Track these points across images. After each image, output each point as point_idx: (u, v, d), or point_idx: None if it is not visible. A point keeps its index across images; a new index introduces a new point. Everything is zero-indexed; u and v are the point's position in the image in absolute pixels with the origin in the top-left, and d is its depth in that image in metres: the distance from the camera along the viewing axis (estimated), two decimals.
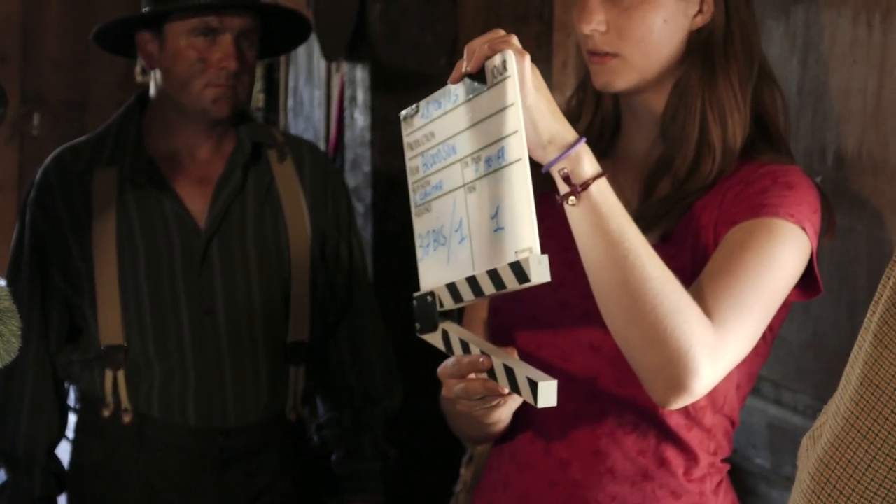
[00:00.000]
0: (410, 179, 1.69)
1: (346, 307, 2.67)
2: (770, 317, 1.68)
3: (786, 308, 1.76)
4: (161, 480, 2.53)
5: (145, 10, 2.53)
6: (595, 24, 1.75)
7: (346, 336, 2.68)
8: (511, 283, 1.50)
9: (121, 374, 2.49)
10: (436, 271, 1.64)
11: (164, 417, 2.51)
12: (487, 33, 1.56)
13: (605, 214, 1.56)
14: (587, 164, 1.56)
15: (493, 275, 1.52)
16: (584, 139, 1.57)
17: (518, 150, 1.49)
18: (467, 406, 1.67)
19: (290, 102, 4.74)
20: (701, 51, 1.79)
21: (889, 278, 1.15)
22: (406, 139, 1.70)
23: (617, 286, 1.57)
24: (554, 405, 1.52)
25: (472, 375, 1.61)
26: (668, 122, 1.81)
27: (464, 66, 1.56)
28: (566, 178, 1.56)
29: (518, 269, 1.48)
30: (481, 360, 1.59)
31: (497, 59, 1.52)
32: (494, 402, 1.65)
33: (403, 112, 1.69)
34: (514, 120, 1.50)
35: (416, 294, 1.68)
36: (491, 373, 1.59)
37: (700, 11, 1.79)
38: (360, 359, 2.69)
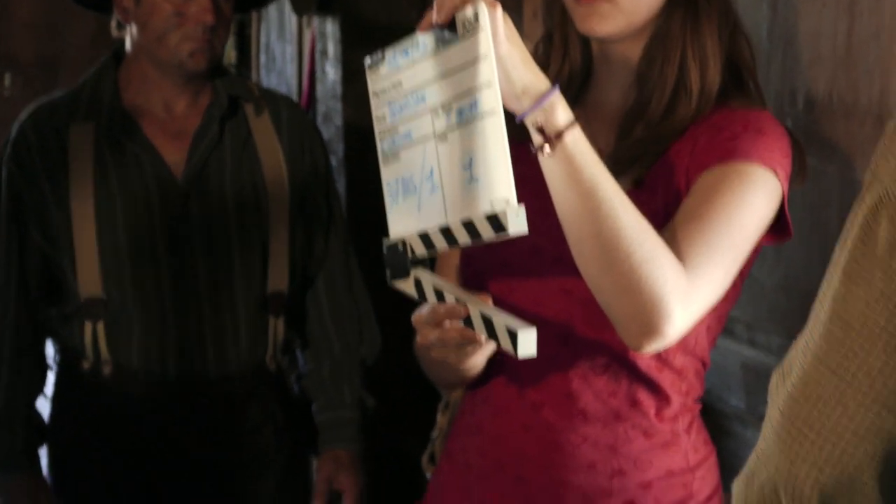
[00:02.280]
0: (377, 127, 1.68)
1: (323, 259, 2.68)
2: (742, 260, 1.69)
3: (755, 251, 1.78)
4: (142, 432, 2.55)
5: None
6: None
7: (324, 287, 2.70)
8: (487, 234, 1.51)
9: (100, 326, 2.50)
10: (406, 219, 1.65)
11: (143, 369, 2.52)
12: None
13: (579, 164, 1.56)
14: (561, 113, 1.56)
15: (469, 225, 1.53)
16: (556, 87, 1.57)
17: (492, 103, 1.49)
18: (442, 353, 1.68)
19: (263, 58, 4.73)
20: None
21: (857, 215, 1.16)
22: (371, 87, 1.69)
23: (591, 235, 1.58)
24: (534, 355, 1.53)
25: (448, 323, 1.63)
26: (644, 69, 1.82)
27: (433, 17, 1.56)
28: (540, 129, 1.56)
29: (495, 221, 1.49)
30: (458, 307, 1.60)
31: (468, 11, 1.51)
32: (470, 350, 1.66)
33: (368, 59, 1.68)
34: (488, 72, 1.49)
35: (386, 242, 1.68)
36: (467, 321, 1.60)
37: None
38: (338, 309, 2.70)
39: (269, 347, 2.61)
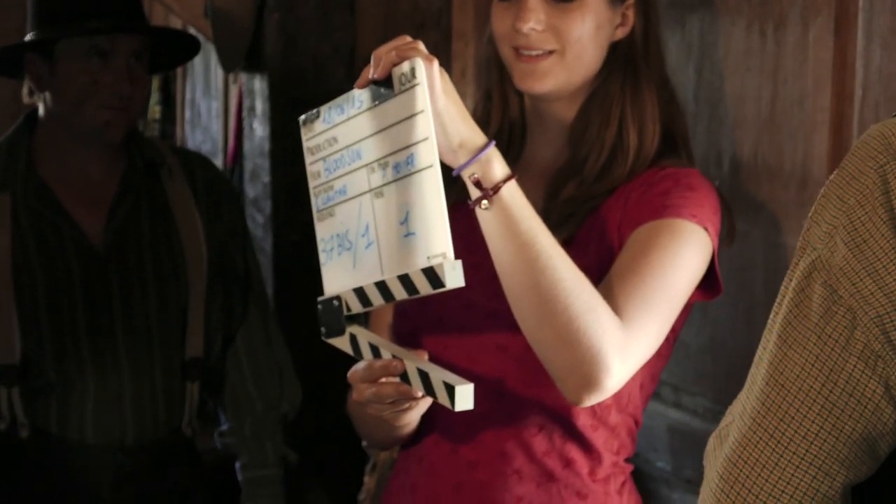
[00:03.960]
0: (312, 184, 1.69)
1: (242, 318, 2.67)
2: (676, 314, 1.71)
3: (686, 310, 1.79)
4: (59, 496, 2.50)
5: (32, 34, 2.49)
6: (533, 23, 1.76)
7: (244, 347, 2.69)
8: (424, 288, 1.51)
9: (15, 392, 2.46)
10: (341, 276, 1.64)
11: (61, 434, 2.49)
12: (394, 40, 1.57)
13: (515, 217, 1.57)
14: (497, 167, 1.57)
15: (405, 280, 1.53)
16: (493, 142, 1.58)
17: (429, 157, 1.50)
18: (378, 409, 1.67)
19: (188, 114, 4.71)
20: (622, 61, 1.83)
21: (791, 279, 1.17)
22: (306, 143, 1.69)
23: (529, 288, 1.58)
24: (471, 408, 1.53)
25: (384, 379, 1.62)
26: (579, 130, 1.84)
27: (370, 72, 1.56)
28: (477, 183, 1.57)
29: (432, 275, 1.49)
30: (394, 363, 1.59)
31: (405, 66, 1.52)
32: (406, 406, 1.66)
33: (303, 116, 1.69)
34: (425, 127, 1.50)
35: (320, 298, 1.68)
36: (404, 376, 1.59)
37: (621, 24, 1.83)
38: (258, 368, 2.69)
39: (185, 413, 2.58)
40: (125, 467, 2.52)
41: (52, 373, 2.47)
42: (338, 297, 1.65)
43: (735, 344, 2.17)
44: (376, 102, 1.57)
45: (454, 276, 1.47)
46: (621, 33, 1.83)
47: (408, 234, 1.52)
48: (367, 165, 1.59)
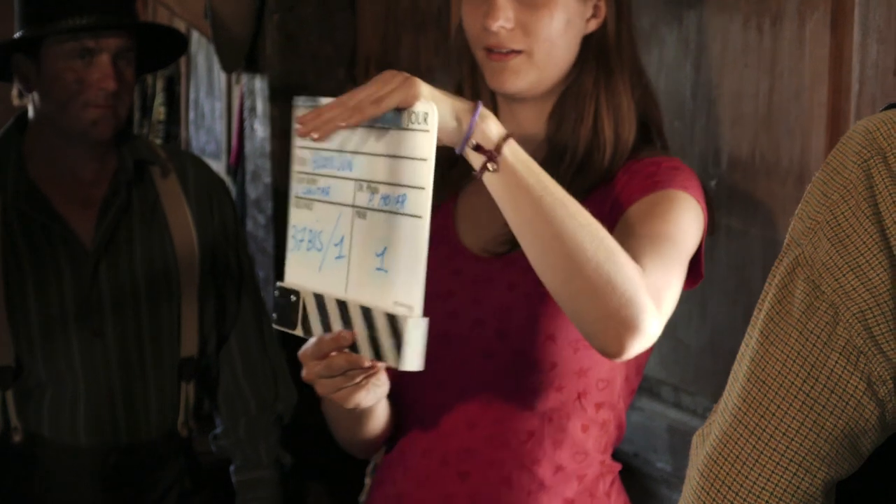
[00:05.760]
0: (295, 168, 1.63)
1: (236, 317, 2.66)
2: (683, 276, 1.67)
3: None
4: (53, 499, 2.50)
5: (19, 33, 2.48)
6: (503, 21, 1.73)
7: (237, 346, 2.68)
8: (382, 329, 1.47)
9: (9, 395, 2.45)
10: (305, 271, 1.59)
11: (54, 437, 2.48)
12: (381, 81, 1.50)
13: (522, 172, 1.53)
14: (493, 125, 1.53)
15: (366, 313, 1.49)
16: (479, 102, 1.54)
17: (421, 207, 1.45)
18: (329, 386, 1.58)
19: (192, 115, 4.71)
20: (594, 54, 1.80)
21: (774, 276, 1.16)
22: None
23: (553, 239, 1.53)
24: (420, 369, 1.46)
25: (335, 353, 1.55)
26: (553, 126, 1.81)
27: (369, 111, 1.49)
28: (477, 148, 1.53)
29: (393, 322, 1.45)
30: (343, 334, 1.52)
31: (419, 108, 1.47)
32: (358, 380, 1.58)
33: (301, 99, 1.61)
34: (425, 176, 1.45)
35: (280, 284, 1.62)
36: (353, 347, 1.53)
37: (593, 16, 1.80)
38: (252, 367, 2.68)
39: (180, 413, 2.57)
40: (120, 468, 2.51)
41: (43, 374, 2.46)
42: (296, 293, 1.59)
43: (734, 343, 2.13)
44: (379, 124, 1.51)
45: (415, 335, 1.43)
46: (594, 25, 1.80)
47: (380, 269, 1.48)
48: (356, 181, 1.54)
